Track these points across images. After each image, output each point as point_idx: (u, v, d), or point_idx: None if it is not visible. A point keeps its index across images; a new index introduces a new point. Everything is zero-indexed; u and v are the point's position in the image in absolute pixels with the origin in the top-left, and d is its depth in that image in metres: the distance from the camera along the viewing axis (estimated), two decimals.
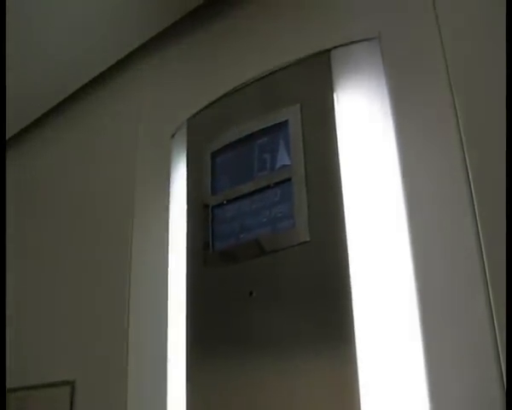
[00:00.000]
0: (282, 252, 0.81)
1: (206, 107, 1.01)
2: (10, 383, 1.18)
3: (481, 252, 0.65)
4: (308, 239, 0.78)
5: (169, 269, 0.98)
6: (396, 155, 0.77)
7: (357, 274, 0.74)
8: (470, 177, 0.68)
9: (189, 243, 0.94)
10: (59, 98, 1.40)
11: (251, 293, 0.82)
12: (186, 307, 0.91)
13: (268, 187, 0.85)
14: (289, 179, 0.83)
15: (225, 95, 0.98)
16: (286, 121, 0.86)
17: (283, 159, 0.85)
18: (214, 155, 0.95)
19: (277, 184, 0.84)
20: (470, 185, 0.68)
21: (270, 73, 0.92)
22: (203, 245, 0.91)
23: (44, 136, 1.51)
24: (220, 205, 0.91)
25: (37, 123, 1.51)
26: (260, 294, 0.82)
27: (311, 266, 0.77)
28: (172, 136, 1.08)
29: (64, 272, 1.27)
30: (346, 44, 0.85)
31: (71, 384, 1.13)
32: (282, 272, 0.80)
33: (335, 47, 0.85)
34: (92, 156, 1.31)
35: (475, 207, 0.67)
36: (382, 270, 0.73)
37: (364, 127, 0.81)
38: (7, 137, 1.48)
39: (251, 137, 0.90)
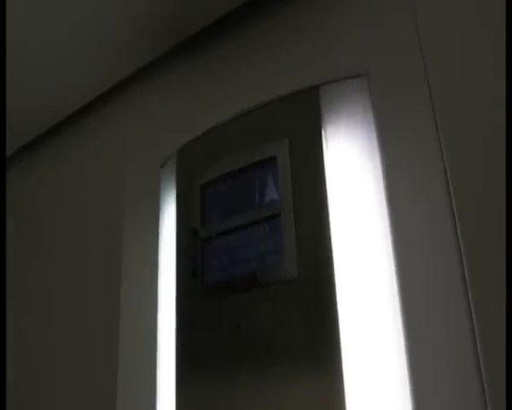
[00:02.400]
0: (271, 287, 0.81)
1: (196, 139, 1.02)
2: None
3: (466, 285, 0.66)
4: (296, 275, 0.79)
5: (159, 300, 0.98)
6: (384, 192, 0.78)
7: (344, 309, 0.74)
8: (455, 211, 0.69)
9: (178, 274, 0.94)
10: (47, 126, 1.40)
11: (239, 327, 0.82)
12: (175, 335, 0.91)
13: (257, 222, 0.86)
14: (278, 215, 0.83)
15: (215, 127, 0.99)
16: (274, 157, 0.87)
17: (272, 194, 0.86)
18: (203, 187, 0.96)
19: (266, 219, 0.85)
20: (454, 214, 0.70)
21: (259, 108, 0.93)
22: (192, 278, 0.91)
23: (30, 164, 1.51)
24: (209, 238, 0.91)
25: (23, 151, 1.52)
26: (249, 328, 0.82)
27: (298, 303, 0.78)
28: (162, 166, 1.08)
29: (54, 300, 1.26)
30: (334, 81, 0.87)
31: None
32: (271, 307, 0.80)
33: (324, 83, 0.87)
34: (80, 186, 1.31)
35: (461, 244, 0.68)
36: (369, 304, 0.74)
37: (352, 164, 0.82)
38: None
39: (240, 171, 0.91)
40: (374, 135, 0.82)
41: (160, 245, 1.02)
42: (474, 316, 0.64)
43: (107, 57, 1.19)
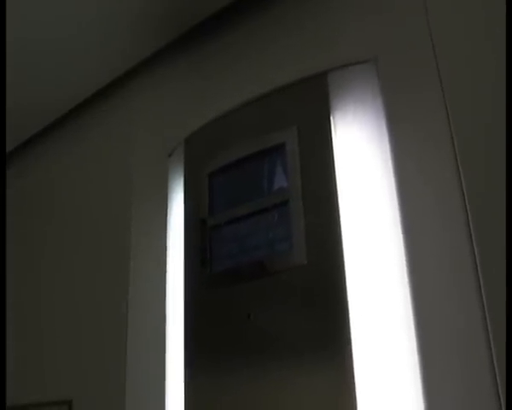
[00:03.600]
0: (280, 275, 0.81)
1: (204, 127, 1.01)
2: (8, 401, 1.17)
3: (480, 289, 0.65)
4: (305, 262, 0.78)
5: (167, 290, 0.98)
6: (393, 178, 0.77)
7: (354, 298, 0.73)
8: (466, 198, 0.69)
9: (186, 264, 0.94)
10: (50, 120, 1.39)
11: (248, 315, 0.82)
12: (184, 326, 0.91)
13: (266, 209, 0.85)
14: (286, 202, 0.83)
15: (222, 116, 0.98)
16: (283, 144, 0.87)
17: (280, 181, 0.86)
18: (211, 176, 0.95)
19: (275, 206, 0.84)
20: (465, 201, 0.69)
21: (267, 95, 0.92)
22: (201, 266, 0.91)
23: (37, 157, 1.51)
24: (218, 226, 0.91)
25: (29, 144, 1.51)
26: (258, 316, 0.81)
27: (308, 290, 0.77)
28: (169, 155, 1.08)
29: (62, 291, 1.26)
30: (342, 67, 0.86)
31: (68, 403, 1.12)
32: (280, 295, 0.80)
33: (332, 69, 0.86)
34: (86, 179, 1.31)
35: (472, 233, 0.67)
36: (379, 292, 0.73)
37: (361, 150, 0.81)
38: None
39: (248, 158, 0.90)
40: (383, 121, 0.81)
41: (168, 235, 1.02)
42: (486, 306, 0.64)
43: (109, 50, 1.19)
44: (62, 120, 1.41)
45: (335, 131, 0.83)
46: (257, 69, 1.00)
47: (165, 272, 0.99)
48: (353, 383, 0.69)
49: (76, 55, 1.20)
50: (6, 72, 1.20)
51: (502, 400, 0.60)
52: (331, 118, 0.83)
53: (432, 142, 0.75)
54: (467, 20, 0.76)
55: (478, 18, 0.74)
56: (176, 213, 1.01)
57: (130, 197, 1.14)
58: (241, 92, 0.98)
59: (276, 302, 0.80)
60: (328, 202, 0.79)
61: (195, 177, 0.98)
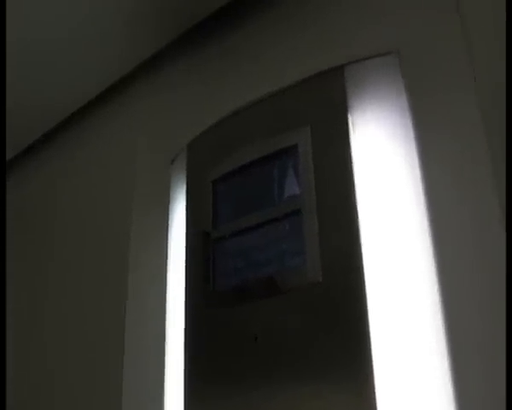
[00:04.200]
0: (291, 293, 0.71)
1: (207, 131, 0.92)
2: None
3: None
4: (320, 280, 0.69)
5: (167, 309, 0.89)
6: (420, 184, 0.68)
7: (376, 319, 0.64)
8: (502, 203, 0.59)
9: (187, 280, 0.85)
10: (50, 126, 1.33)
11: (256, 338, 0.72)
12: (184, 350, 0.82)
13: (275, 220, 0.76)
14: (299, 211, 0.74)
15: (227, 118, 0.89)
16: (295, 146, 0.78)
17: (292, 188, 0.76)
18: (216, 183, 0.86)
19: (286, 216, 0.75)
20: (502, 207, 0.60)
21: (277, 94, 0.84)
22: (203, 283, 0.81)
23: (37, 164, 1.45)
24: (222, 239, 0.82)
25: (28, 152, 1.45)
26: (266, 339, 0.72)
27: (323, 311, 0.68)
28: (172, 162, 0.99)
29: (57, 301, 1.18)
30: (361, 60, 0.77)
31: None
32: (291, 316, 0.70)
33: (349, 63, 0.76)
34: (87, 186, 1.23)
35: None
36: (405, 313, 0.64)
37: (383, 152, 0.72)
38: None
39: (256, 163, 0.81)
40: (407, 119, 0.72)
41: (169, 248, 0.93)
42: None
43: (109, 53, 1.13)
44: (61, 127, 1.34)
45: (353, 131, 0.73)
46: (264, 67, 0.92)
47: (165, 288, 0.90)
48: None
49: (71, 59, 1.14)
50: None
51: None
52: (349, 116, 0.74)
53: (463, 143, 0.66)
54: (502, 7, 0.66)
55: None
56: (178, 224, 0.92)
57: (130, 207, 1.06)
58: (248, 93, 0.89)
59: (287, 324, 0.71)
60: (346, 210, 0.69)
61: (198, 184, 0.89)
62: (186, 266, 0.86)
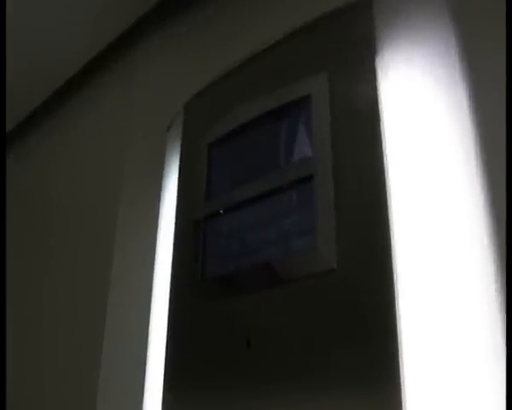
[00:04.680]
0: (297, 284, 0.54)
1: (207, 88, 0.76)
2: None
3: None
4: (334, 266, 0.51)
5: (153, 294, 0.73)
6: (473, 145, 0.50)
7: (406, 315, 0.46)
8: None
9: (174, 264, 0.69)
10: (46, 94, 1.19)
11: (248, 342, 0.56)
12: (165, 347, 0.66)
13: (280, 189, 0.59)
14: (310, 177, 0.57)
15: (229, 72, 0.73)
16: (307, 97, 0.61)
17: (303, 149, 0.59)
18: (211, 147, 0.70)
19: (294, 184, 0.58)
20: None
21: (286, 37, 0.67)
22: (190, 269, 0.65)
23: (30, 134, 1.31)
24: (215, 215, 0.65)
25: (23, 122, 1.31)
26: (261, 344, 0.55)
27: (337, 306, 0.50)
28: (168, 129, 0.84)
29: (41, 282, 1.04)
30: None
31: None
32: (297, 312, 0.53)
33: None
34: (79, 158, 1.09)
35: None
36: (447, 314, 0.46)
37: (422, 104, 0.54)
38: None
39: (259, 121, 0.65)
40: (455, 64, 0.54)
41: (159, 229, 0.77)
42: None
43: (99, 17, 0.98)
44: (56, 96, 1.19)
45: (382, 78, 0.56)
46: (273, 8, 0.75)
47: (152, 272, 0.74)
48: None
49: (67, 21, 1.00)
50: None
51: None
52: (376, 59, 0.56)
53: None
54: None
55: None
56: (170, 200, 0.76)
57: (120, 181, 0.90)
58: (255, 39, 0.73)
59: (291, 324, 0.54)
60: (372, 176, 0.52)
61: (193, 150, 0.73)
62: (173, 249, 0.70)
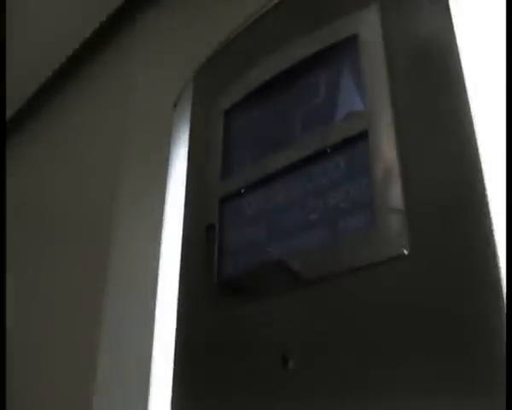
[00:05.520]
0: (351, 278, 0.39)
1: (222, 48, 0.62)
2: None
3: None
4: (405, 252, 0.36)
5: (156, 304, 0.58)
6: None
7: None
8: None
9: (183, 266, 0.54)
10: (43, 76, 1.07)
11: (285, 359, 0.40)
12: (173, 374, 0.50)
13: (321, 154, 0.44)
14: (364, 135, 0.42)
15: (249, 25, 0.59)
16: (354, 37, 0.46)
17: (351, 102, 0.45)
18: (229, 114, 0.55)
19: (340, 146, 0.43)
20: None
21: None
22: (204, 268, 0.50)
23: (30, 118, 1.19)
24: (235, 196, 0.51)
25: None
26: (304, 363, 0.40)
27: (411, 306, 0.35)
28: (175, 106, 0.69)
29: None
30: None
31: None
32: (351, 317, 0.38)
33: None
34: (76, 141, 0.96)
35: None
36: None
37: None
38: None
39: (287, 75, 0.51)
40: None
41: (164, 219, 0.62)
42: None
43: None
44: (51, 79, 1.07)
45: (455, 7, 0.41)
46: None
47: (156, 275, 0.59)
48: None
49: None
50: None
51: None
52: None
53: None
54: None
55: None
56: (178, 184, 0.61)
57: (120, 169, 0.76)
58: None
59: (343, 331, 0.38)
60: (451, 130, 0.37)
61: (206, 122, 0.58)
62: (182, 245, 0.55)
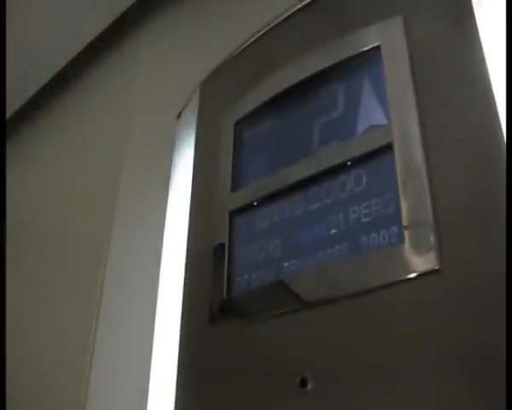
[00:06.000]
0: (376, 296, 0.37)
1: (231, 58, 0.60)
2: None
3: None
4: (436, 267, 0.34)
5: (156, 322, 0.55)
6: None
7: None
8: None
9: (188, 282, 0.51)
10: (44, 80, 1.06)
11: (304, 381, 0.38)
12: (175, 392, 0.47)
13: (342, 167, 0.43)
14: (387, 148, 0.40)
15: (262, 34, 0.57)
16: (376, 49, 0.45)
17: (373, 115, 0.43)
18: (240, 126, 0.53)
19: (362, 159, 0.42)
20: None
21: None
22: (212, 285, 0.48)
23: (26, 125, 1.15)
24: (246, 209, 0.48)
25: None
26: (323, 383, 0.37)
27: (442, 327, 0.33)
28: (178, 116, 0.68)
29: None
30: None
31: None
32: (377, 337, 0.36)
33: None
34: (77, 153, 0.92)
35: None
36: None
37: None
38: None
39: (303, 86, 0.49)
40: None
41: (164, 234, 0.59)
42: None
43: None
44: (52, 83, 1.05)
45: (481, 16, 0.40)
46: None
47: (155, 292, 0.56)
48: None
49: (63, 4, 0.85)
50: None
51: None
52: None
53: None
54: None
55: None
56: (181, 198, 0.59)
57: (118, 180, 0.74)
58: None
59: (367, 351, 0.36)
60: (481, 140, 0.36)
61: (214, 134, 0.56)
62: (187, 264, 0.52)
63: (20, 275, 0.91)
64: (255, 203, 0.48)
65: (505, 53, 0.37)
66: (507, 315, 0.30)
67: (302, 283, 0.41)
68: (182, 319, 0.50)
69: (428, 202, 0.36)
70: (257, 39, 0.57)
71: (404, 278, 0.35)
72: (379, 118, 0.43)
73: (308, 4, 0.53)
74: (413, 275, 0.35)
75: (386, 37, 0.45)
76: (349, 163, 0.42)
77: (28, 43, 0.96)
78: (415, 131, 0.39)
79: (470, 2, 0.40)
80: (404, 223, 0.37)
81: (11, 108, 1.14)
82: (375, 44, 0.45)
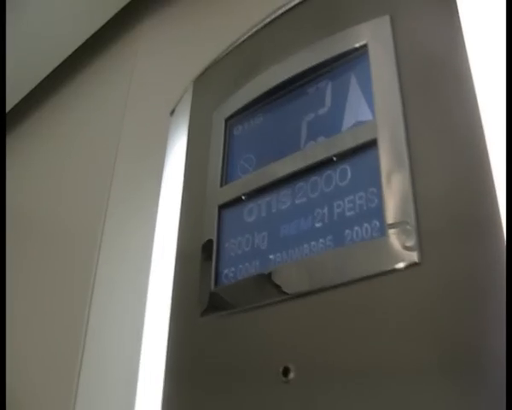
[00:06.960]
0: (358, 287, 0.38)
1: (223, 56, 0.61)
2: None
3: None
4: (417, 260, 0.35)
5: (146, 312, 0.56)
6: None
7: None
8: None
9: (177, 274, 0.52)
10: (42, 75, 1.06)
11: (286, 371, 0.39)
12: (164, 383, 0.48)
13: (327, 163, 0.43)
14: (372, 144, 0.41)
15: (253, 33, 0.58)
16: (363, 47, 0.46)
17: (358, 111, 0.44)
18: (230, 121, 0.54)
19: (347, 155, 0.43)
20: None
21: None
22: (200, 277, 0.49)
23: (22, 119, 1.16)
24: (235, 203, 0.49)
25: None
26: (305, 373, 0.38)
27: (423, 320, 0.34)
28: (172, 112, 0.68)
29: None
30: None
31: None
32: (359, 329, 0.37)
33: None
34: (71, 151, 0.93)
35: None
36: None
37: None
38: None
39: (292, 83, 0.50)
40: None
41: (156, 227, 0.60)
42: None
43: None
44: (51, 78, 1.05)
45: (465, 15, 0.41)
46: None
47: (146, 285, 0.57)
48: None
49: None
50: None
51: None
52: None
53: None
54: None
55: None
56: (173, 193, 0.60)
57: (111, 177, 0.74)
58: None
59: (349, 343, 0.37)
60: (463, 139, 0.37)
61: (205, 129, 0.57)
62: (177, 257, 0.53)
63: (11, 267, 0.91)
64: (243, 197, 0.48)
65: (505, 53, 0.38)
66: (507, 315, 0.30)
67: (287, 274, 0.42)
68: (172, 311, 0.51)
69: (411, 196, 0.37)
70: (247, 38, 0.57)
71: (385, 270, 0.36)
72: (364, 114, 0.44)
73: (297, 4, 0.54)
74: (394, 268, 0.36)
75: (374, 36, 0.45)
76: (335, 158, 0.43)
77: (25, 40, 0.97)
78: (399, 127, 0.40)
79: (455, 2, 0.41)
80: (387, 217, 0.38)
81: (9, 103, 1.14)
82: (363, 43, 0.46)
